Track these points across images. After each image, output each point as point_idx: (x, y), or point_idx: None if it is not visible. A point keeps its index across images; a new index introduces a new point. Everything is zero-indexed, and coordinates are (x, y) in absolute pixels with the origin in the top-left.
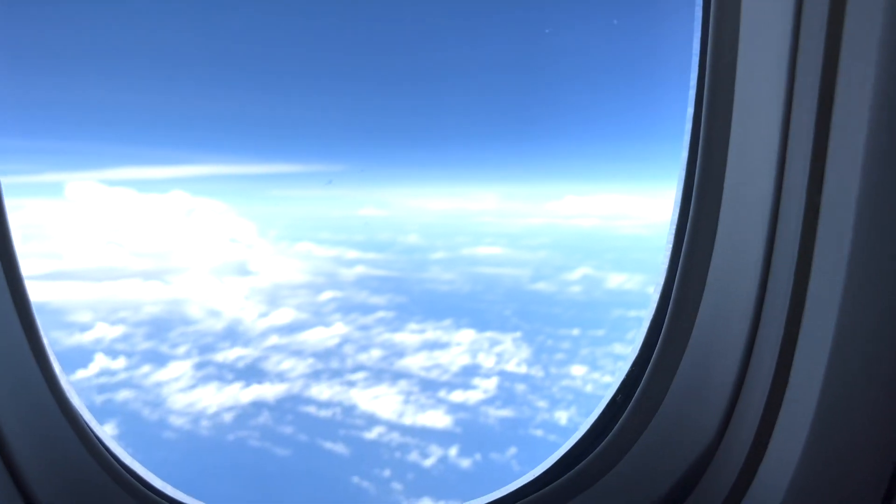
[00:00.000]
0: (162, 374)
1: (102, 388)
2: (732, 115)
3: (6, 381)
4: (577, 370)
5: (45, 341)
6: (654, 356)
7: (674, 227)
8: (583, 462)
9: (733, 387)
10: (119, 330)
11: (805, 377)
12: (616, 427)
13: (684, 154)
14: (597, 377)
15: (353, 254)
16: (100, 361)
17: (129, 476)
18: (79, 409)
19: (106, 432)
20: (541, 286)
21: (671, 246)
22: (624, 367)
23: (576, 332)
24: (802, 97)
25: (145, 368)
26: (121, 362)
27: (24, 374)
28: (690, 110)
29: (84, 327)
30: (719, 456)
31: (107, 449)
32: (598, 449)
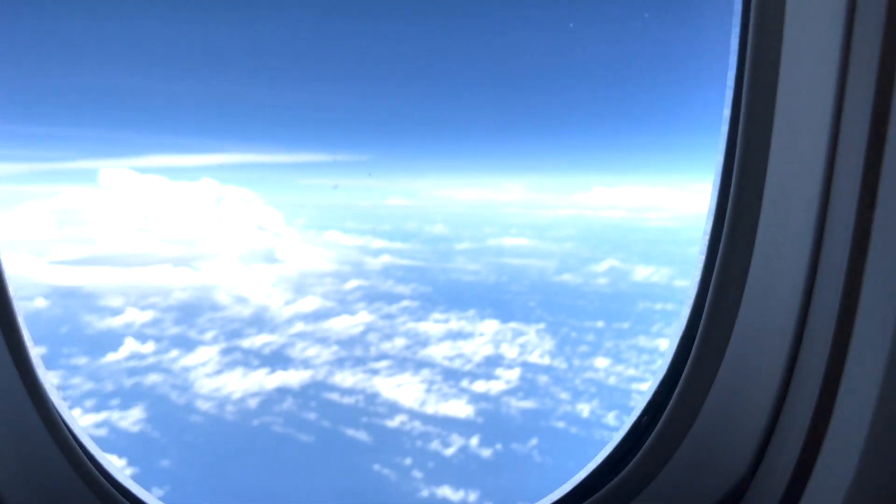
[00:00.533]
0: (190, 359)
1: (132, 372)
2: (774, 117)
3: None
4: (601, 362)
5: (28, 341)
6: (684, 374)
7: (708, 233)
8: (598, 493)
9: (772, 410)
10: (149, 315)
11: (854, 402)
12: (640, 453)
13: (720, 157)
14: (620, 370)
15: (379, 243)
16: (129, 345)
17: (105, 482)
18: (61, 413)
19: (91, 440)
20: (566, 278)
21: (705, 254)
22: (651, 385)
23: (600, 324)
24: (854, 101)
25: (173, 353)
26: (150, 346)
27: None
28: (727, 111)
29: (115, 312)
30: (754, 488)
31: (88, 455)
32: (617, 478)
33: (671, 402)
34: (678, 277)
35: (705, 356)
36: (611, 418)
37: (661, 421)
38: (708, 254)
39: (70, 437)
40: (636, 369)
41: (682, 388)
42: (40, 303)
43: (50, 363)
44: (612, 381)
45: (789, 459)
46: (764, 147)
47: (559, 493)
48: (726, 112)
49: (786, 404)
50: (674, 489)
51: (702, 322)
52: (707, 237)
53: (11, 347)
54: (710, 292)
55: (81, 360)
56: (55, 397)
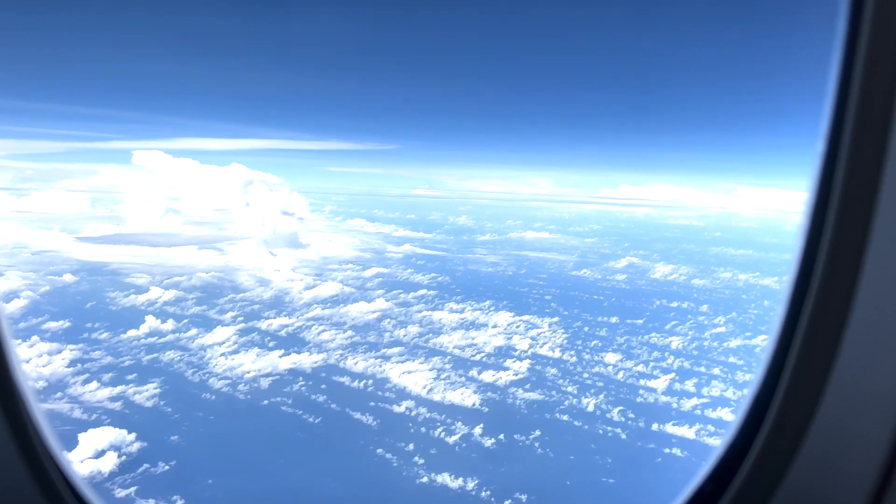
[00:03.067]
0: (207, 338)
1: (151, 349)
2: (892, 125)
3: None
4: (611, 357)
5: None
6: (765, 427)
7: (800, 255)
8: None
9: (880, 476)
10: (172, 294)
11: None
12: (746, 467)
13: (817, 167)
14: (629, 366)
15: (402, 232)
16: (150, 323)
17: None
18: (36, 423)
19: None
20: (585, 273)
21: (795, 275)
22: (719, 444)
23: (614, 319)
24: None
25: (192, 331)
26: (169, 325)
27: None
28: (829, 115)
29: (140, 289)
30: None
31: (49, 458)
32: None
33: (744, 468)
34: (697, 276)
35: (795, 405)
36: (615, 413)
37: (732, 491)
38: (800, 273)
39: (36, 440)
40: (645, 366)
41: (764, 448)
42: (68, 278)
43: (72, 337)
44: (620, 376)
45: None
46: (877, 156)
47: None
48: (828, 115)
49: None
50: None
51: (790, 359)
52: (799, 256)
53: None
54: (801, 325)
55: (103, 335)
56: (30, 400)
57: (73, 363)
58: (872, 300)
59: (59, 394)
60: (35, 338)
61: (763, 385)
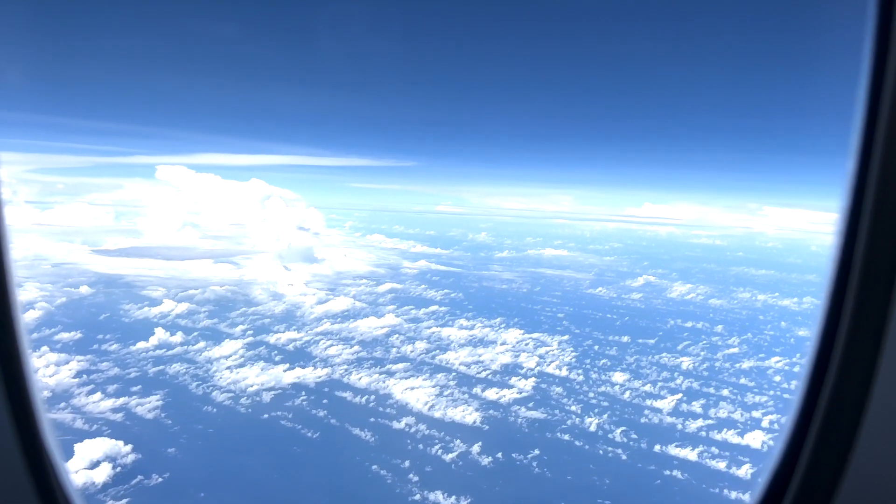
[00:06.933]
0: (215, 352)
1: (158, 361)
2: None
3: None
4: (619, 377)
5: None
6: (808, 447)
7: (834, 273)
8: None
9: None
10: (184, 307)
11: None
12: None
13: (848, 184)
14: (637, 385)
15: (420, 248)
16: (159, 335)
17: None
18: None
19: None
20: (600, 291)
21: (831, 289)
22: (765, 469)
23: (626, 339)
24: None
25: (200, 344)
26: (178, 337)
27: None
28: (859, 132)
29: (154, 302)
30: None
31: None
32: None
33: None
34: (715, 296)
35: (827, 453)
36: (618, 434)
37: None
38: (838, 273)
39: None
40: (653, 386)
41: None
42: (84, 290)
43: (82, 349)
44: (626, 395)
45: None
46: None
47: None
48: (860, 122)
49: None
50: None
51: (823, 399)
52: (837, 260)
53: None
54: (836, 351)
55: (112, 347)
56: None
57: (79, 374)
58: None
59: (62, 404)
60: (45, 348)
61: (802, 410)
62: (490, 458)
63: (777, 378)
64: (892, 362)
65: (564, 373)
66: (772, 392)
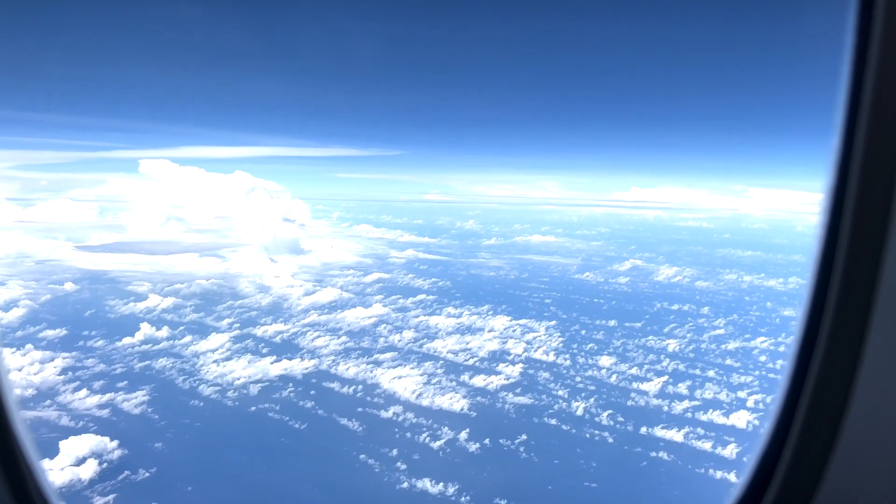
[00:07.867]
0: (201, 345)
1: (144, 356)
2: None
3: None
4: (605, 361)
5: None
6: (793, 434)
7: (819, 257)
8: None
9: None
10: (170, 301)
11: None
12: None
13: (832, 167)
14: (623, 369)
15: (407, 237)
16: (145, 330)
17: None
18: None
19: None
20: (587, 276)
21: (815, 275)
22: (751, 457)
23: (612, 323)
24: None
25: (187, 339)
26: (164, 332)
27: None
28: (843, 115)
29: (139, 297)
30: None
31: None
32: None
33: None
34: (701, 279)
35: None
36: (604, 417)
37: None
38: (822, 256)
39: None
40: (640, 369)
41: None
42: (69, 287)
43: (67, 345)
44: (613, 379)
45: None
46: (893, 150)
47: None
48: (841, 115)
49: None
50: None
51: (807, 388)
52: (821, 243)
53: None
54: (819, 345)
55: (98, 343)
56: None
57: (64, 371)
58: (894, 299)
59: (48, 401)
60: (29, 346)
61: (788, 393)
62: (478, 445)
63: (762, 358)
64: (878, 341)
65: (552, 358)
66: (757, 372)
